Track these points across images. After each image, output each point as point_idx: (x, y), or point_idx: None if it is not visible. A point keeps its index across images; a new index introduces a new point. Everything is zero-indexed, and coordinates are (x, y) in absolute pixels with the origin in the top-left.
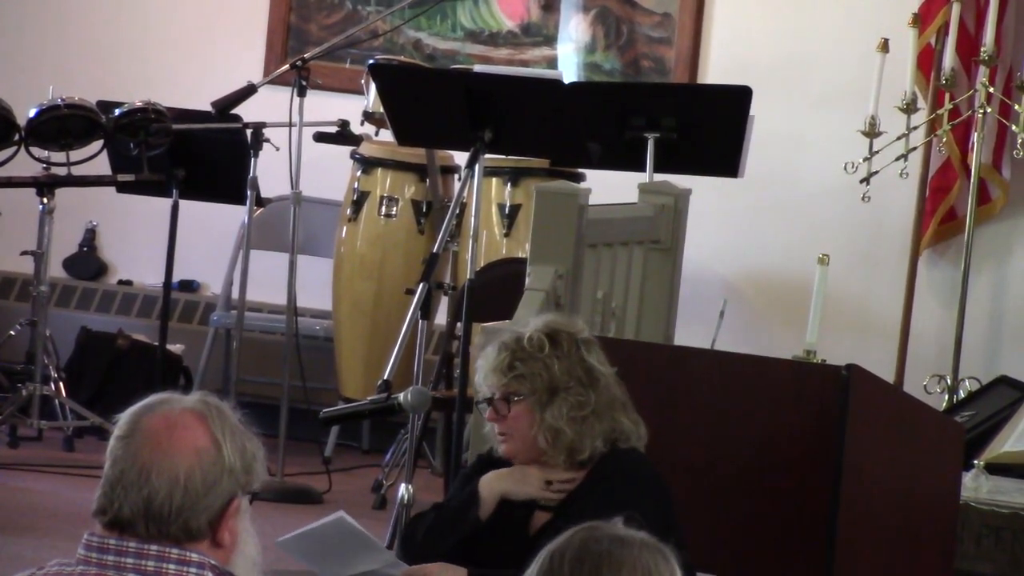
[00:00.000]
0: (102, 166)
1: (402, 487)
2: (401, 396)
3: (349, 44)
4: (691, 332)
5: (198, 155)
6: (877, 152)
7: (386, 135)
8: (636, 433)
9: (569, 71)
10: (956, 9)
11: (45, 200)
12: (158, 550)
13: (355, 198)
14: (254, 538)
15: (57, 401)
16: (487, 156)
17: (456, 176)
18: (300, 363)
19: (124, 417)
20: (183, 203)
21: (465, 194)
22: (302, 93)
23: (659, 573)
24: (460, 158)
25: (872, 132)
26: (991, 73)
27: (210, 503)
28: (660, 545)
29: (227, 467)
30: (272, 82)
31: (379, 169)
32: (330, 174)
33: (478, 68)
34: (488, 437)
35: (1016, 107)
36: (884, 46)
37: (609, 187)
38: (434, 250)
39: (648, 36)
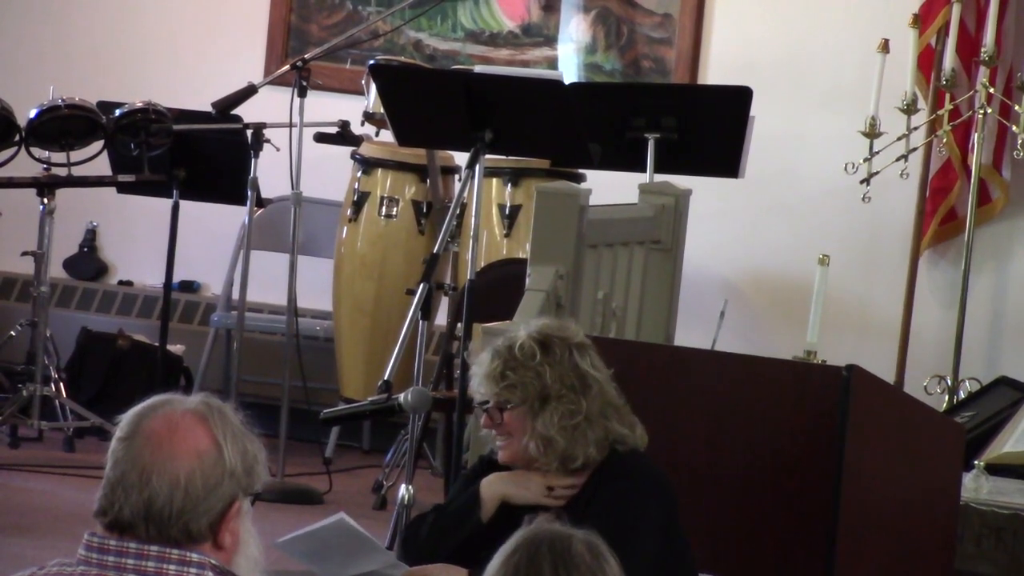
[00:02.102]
0: (102, 166)
1: (402, 487)
2: (401, 397)
3: (349, 44)
4: (691, 332)
5: (198, 155)
6: (877, 153)
7: (386, 135)
8: (632, 436)
9: (569, 72)
10: (956, 10)
11: (45, 200)
12: (158, 551)
13: (355, 198)
14: (256, 539)
15: (57, 401)
16: (487, 156)
17: (456, 176)
18: (300, 363)
19: (126, 418)
20: (183, 203)
21: (465, 194)
22: (302, 93)
23: None
24: (460, 158)
25: (872, 133)
26: (991, 73)
27: (211, 506)
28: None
29: (228, 469)
30: (272, 82)
31: (379, 169)
32: (330, 174)
33: (478, 68)
34: (488, 438)
35: (1016, 107)
36: (884, 46)
37: (609, 187)
38: (434, 250)
39: (649, 36)
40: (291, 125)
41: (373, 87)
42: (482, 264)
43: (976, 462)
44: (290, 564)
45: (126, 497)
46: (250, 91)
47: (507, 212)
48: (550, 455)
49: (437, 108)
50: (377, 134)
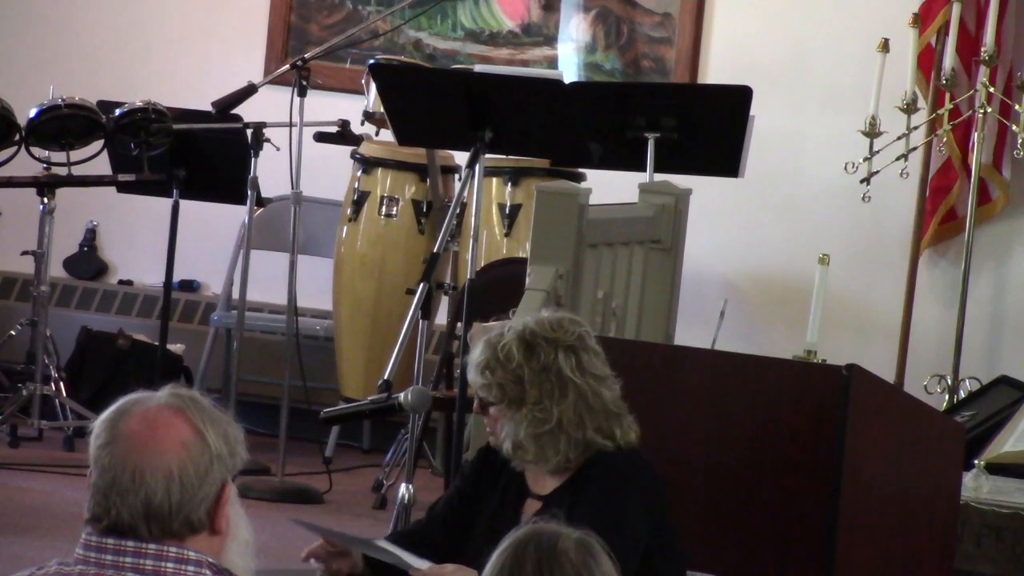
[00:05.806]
0: (103, 166)
1: (403, 487)
2: (401, 396)
3: (349, 44)
4: (691, 332)
5: (199, 155)
6: (877, 152)
7: (386, 135)
8: (610, 447)
9: (569, 71)
10: (956, 9)
11: (46, 200)
12: (156, 549)
13: (355, 198)
14: (246, 521)
15: (57, 401)
16: (487, 156)
17: (456, 176)
18: (300, 363)
19: (100, 425)
20: (183, 203)
21: (465, 194)
22: (302, 93)
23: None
24: (460, 158)
25: (872, 132)
26: (991, 73)
27: (206, 493)
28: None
29: (214, 454)
30: (272, 82)
31: (379, 169)
32: (330, 174)
33: (478, 68)
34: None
35: (1016, 107)
36: (884, 46)
37: (609, 187)
38: (435, 250)
39: (648, 36)
40: (291, 124)
41: (373, 86)
42: (482, 263)
43: (976, 461)
44: (290, 563)
45: (122, 501)
46: (250, 90)
47: (507, 211)
48: (520, 456)
49: (437, 107)
50: (377, 133)
